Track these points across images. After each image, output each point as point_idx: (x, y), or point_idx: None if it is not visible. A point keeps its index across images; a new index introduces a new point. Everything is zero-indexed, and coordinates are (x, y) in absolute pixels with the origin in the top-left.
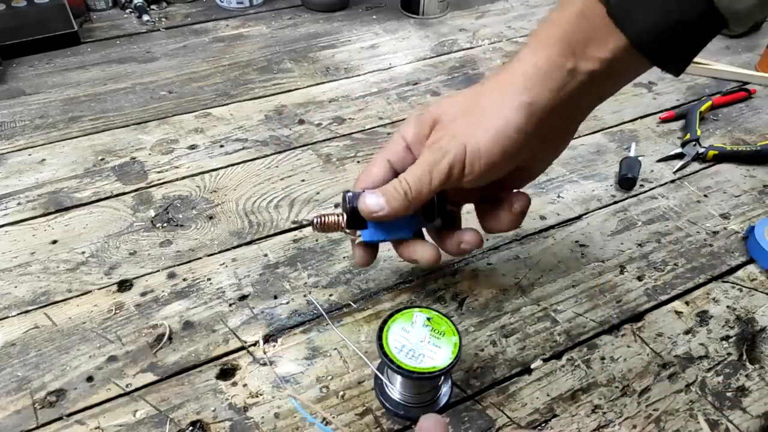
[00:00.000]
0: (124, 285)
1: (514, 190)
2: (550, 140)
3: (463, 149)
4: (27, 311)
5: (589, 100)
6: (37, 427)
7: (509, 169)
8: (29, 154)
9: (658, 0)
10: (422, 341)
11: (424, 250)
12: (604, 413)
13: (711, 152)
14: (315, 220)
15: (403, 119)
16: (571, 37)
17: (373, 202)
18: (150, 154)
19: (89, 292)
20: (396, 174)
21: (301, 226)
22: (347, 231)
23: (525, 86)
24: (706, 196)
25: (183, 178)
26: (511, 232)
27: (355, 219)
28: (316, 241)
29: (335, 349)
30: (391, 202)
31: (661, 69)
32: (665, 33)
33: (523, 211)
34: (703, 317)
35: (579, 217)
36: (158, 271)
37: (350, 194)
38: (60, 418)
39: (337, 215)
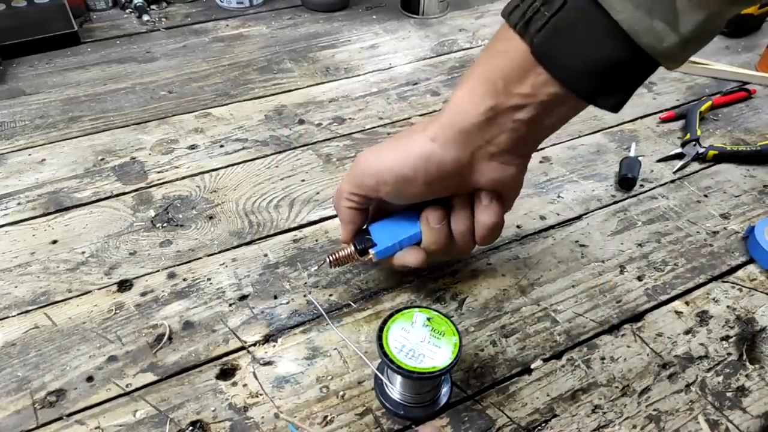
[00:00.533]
0: (124, 285)
1: (483, 204)
2: (480, 173)
3: (373, 162)
4: (27, 311)
5: (517, 136)
6: (37, 427)
7: (432, 192)
8: (29, 154)
9: (580, 39)
10: (422, 341)
11: (413, 254)
12: (604, 413)
13: (711, 152)
14: (328, 259)
15: (404, 119)
16: (491, 73)
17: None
18: (150, 154)
19: (89, 292)
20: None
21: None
22: (361, 259)
23: (438, 124)
24: (706, 196)
25: (183, 178)
26: (511, 232)
27: (363, 242)
28: (316, 240)
29: (335, 349)
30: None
31: (594, 105)
32: (592, 71)
33: (498, 205)
34: (703, 317)
35: (579, 217)
36: (158, 271)
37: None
38: (60, 418)
39: (347, 247)
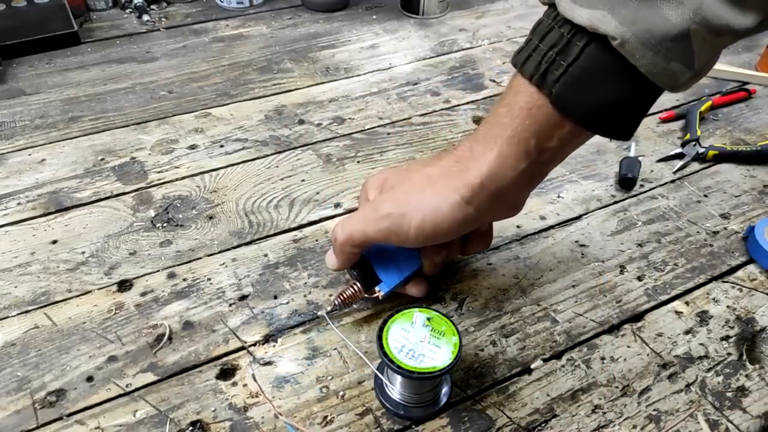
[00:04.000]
0: (124, 285)
1: (482, 231)
2: (496, 214)
3: (403, 218)
4: (27, 311)
5: (535, 180)
6: (37, 427)
7: (451, 239)
8: (29, 154)
9: (598, 85)
10: (422, 341)
11: (418, 286)
12: (604, 413)
13: (711, 152)
14: (336, 302)
15: (404, 119)
16: (521, 135)
17: (328, 261)
18: (150, 154)
19: (89, 292)
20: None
21: (315, 318)
22: (368, 295)
23: (472, 187)
24: (706, 196)
25: (183, 178)
26: (511, 232)
27: (368, 280)
28: (316, 240)
29: (335, 349)
30: (333, 256)
31: (611, 139)
32: (611, 111)
33: (490, 230)
34: (703, 317)
35: (579, 217)
36: (158, 271)
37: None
38: (60, 418)
39: (352, 286)
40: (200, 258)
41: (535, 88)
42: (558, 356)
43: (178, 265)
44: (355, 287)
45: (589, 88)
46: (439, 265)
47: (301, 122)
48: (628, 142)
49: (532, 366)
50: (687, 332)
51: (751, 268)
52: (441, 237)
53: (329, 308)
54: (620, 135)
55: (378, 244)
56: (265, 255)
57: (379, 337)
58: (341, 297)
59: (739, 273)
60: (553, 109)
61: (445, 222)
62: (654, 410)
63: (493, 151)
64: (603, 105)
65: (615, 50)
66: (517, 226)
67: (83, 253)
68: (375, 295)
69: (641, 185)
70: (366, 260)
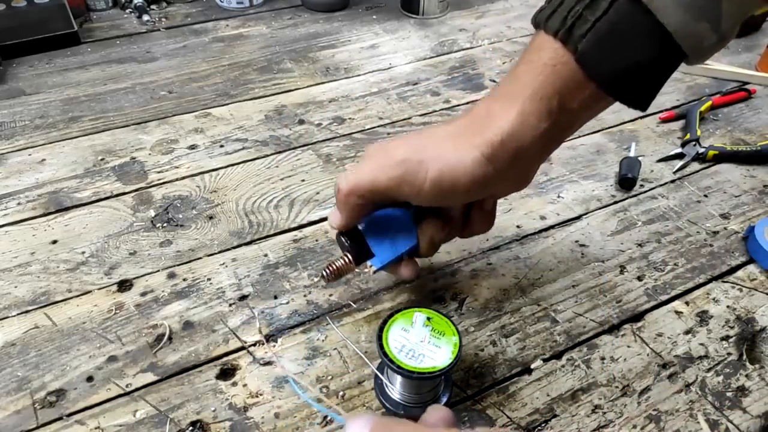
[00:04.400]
0: (124, 285)
1: (486, 210)
2: (510, 182)
3: (419, 166)
4: (27, 311)
5: (552, 145)
6: (37, 427)
7: (463, 201)
8: (29, 154)
9: (622, 43)
10: (422, 341)
11: (408, 268)
12: (604, 413)
13: (711, 152)
14: (324, 273)
15: (404, 119)
16: (544, 92)
17: (331, 219)
18: (150, 154)
19: (89, 292)
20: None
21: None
22: (358, 268)
23: (492, 144)
24: (706, 196)
25: (183, 178)
26: (511, 232)
27: (360, 253)
28: (317, 240)
29: (335, 349)
30: (336, 212)
31: (629, 107)
32: (631, 73)
33: (494, 208)
34: (703, 317)
35: (579, 217)
36: (158, 271)
37: (343, 234)
38: (60, 418)
39: (342, 257)
40: (200, 258)
41: (560, 44)
42: (558, 356)
43: (178, 265)
44: (345, 259)
45: (615, 47)
46: (436, 246)
47: (301, 122)
48: (628, 143)
49: (532, 366)
50: (687, 332)
51: (751, 268)
52: (456, 196)
53: (317, 279)
54: (638, 102)
55: (374, 215)
56: (265, 255)
57: (379, 337)
58: (330, 268)
59: (739, 273)
60: (578, 67)
61: (465, 178)
62: (654, 410)
63: (514, 108)
64: (626, 66)
65: (644, 7)
66: (517, 226)
67: (83, 253)
68: (366, 269)
69: (641, 185)
70: (359, 232)
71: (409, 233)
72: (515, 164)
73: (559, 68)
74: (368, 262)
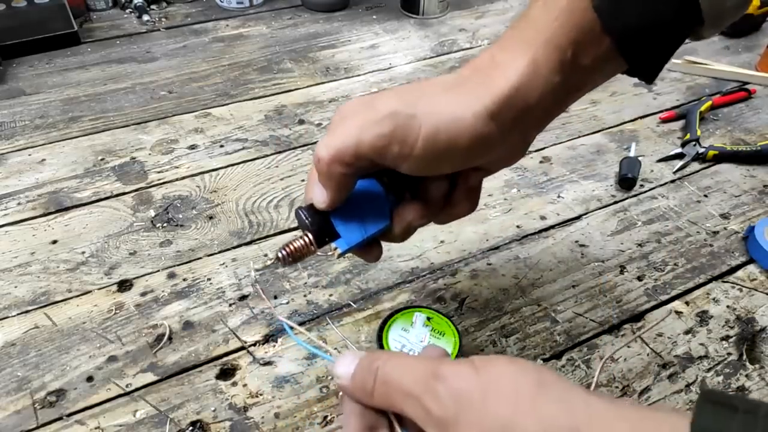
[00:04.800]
0: (124, 285)
1: (471, 186)
2: (509, 147)
3: (411, 121)
4: (27, 311)
5: (557, 108)
6: (37, 427)
7: (457, 168)
8: (29, 154)
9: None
10: (422, 341)
11: (374, 253)
12: None
13: (711, 152)
14: (280, 254)
15: None
16: (558, 40)
17: (315, 196)
18: (150, 154)
19: (89, 292)
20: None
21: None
22: (320, 252)
23: (497, 98)
24: (706, 196)
25: (183, 178)
26: (511, 232)
27: (323, 233)
28: None
29: (335, 349)
30: (319, 187)
31: (636, 75)
32: (644, 34)
33: (480, 186)
34: (703, 317)
35: (579, 217)
36: (158, 271)
37: (303, 210)
38: (60, 418)
39: (302, 237)
40: (200, 258)
41: None
42: (558, 356)
43: (178, 265)
44: (305, 239)
45: (630, 1)
46: (413, 230)
47: (301, 122)
48: (628, 143)
49: None
50: (687, 332)
51: (751, 268)
52: (452, 159)
53: (270, 262)
54: (646, 70)
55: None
56: (265, 255)
57: (379, 337)
58: (287, 249)
59: (739, 273)
60: (595, 17)
61: (465, 136)
62: None
63: (525, 57)
64: (641, 24)
65: None
66: (517, 226)
67: (83, 253)
68: (331, 252)
69: (641, 185)
70: (321, 213)
71: (381, 212)
72: (519, 125)
73: (576, 15)
74: (333, 244)
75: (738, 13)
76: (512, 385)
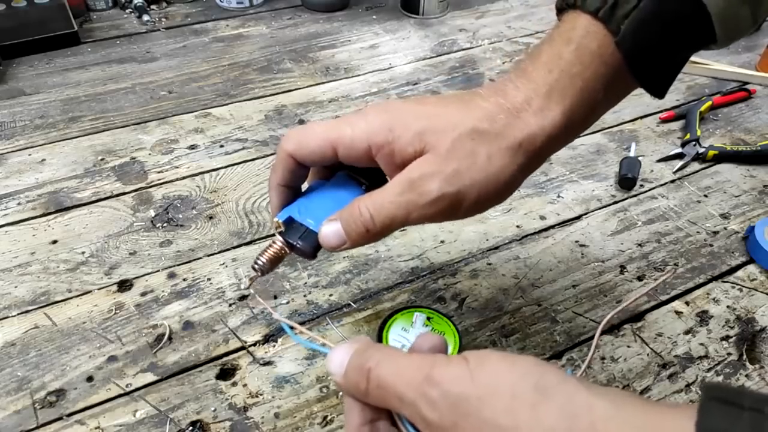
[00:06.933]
0: (124, 285)
1: None
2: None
3: (456, 198)
4: (27, 311)
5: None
6: (37, 427)
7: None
8: (29, 154)
9: (661, 24)
10: None
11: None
12: None
13: (711, 152)
14: (257, 265)
15: None
16: (593, 88)
17: (331, 234)
18: (150, 154)
19: (89, 292)
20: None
21: (243, 297)
22: (290, 252)
23: (527, 149)
24: (706, 196)
25: (183, 178)
26: (511, 232)
27: (293, 234)
28: None
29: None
30: (351, 236)
31: (648, 92)
32: (657, 56)
33: None
34: (703, 317)
35: (579, 217)
36: (158, 271)
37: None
38: (60, 418)
39: (272, 244)
40: (200, 258)
41: (602, 27)
42: (558, 356)
43: (178, 265)
44: (276, 246)
45: (652, 29)
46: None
47: (301, 122)
48: (628, 143)
49: None
50: (687, 332)
51: (751, 268)
52: (476, 213)
53: (254, 274)
54: (658, 88)
55: (312, 188)
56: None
57: (379, 337)
58: (261, 261)
59: (739, 273)
60: (620, 54)
61: (502, 197)
62: None
63: (559, 106)
64: (655, 48)
65: None
66: (517, 226)
67: (83, 253)
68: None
69: (641, 185)
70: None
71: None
72: (532, 169)
73: (607, 59)
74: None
75: (749, 31)
76: (510, 391)
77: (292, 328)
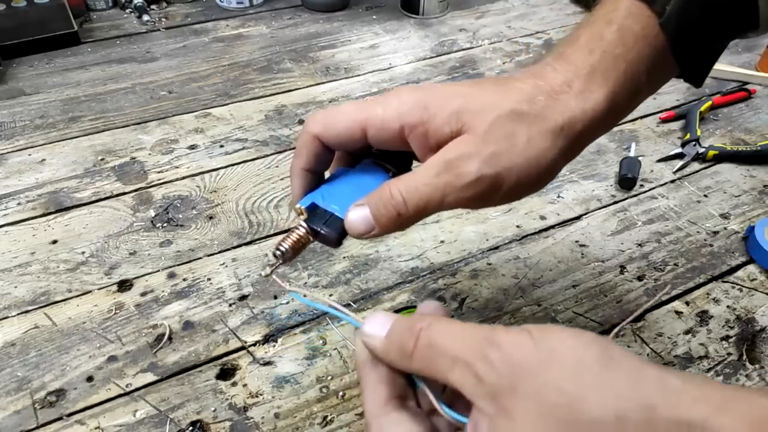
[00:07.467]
0: (124, 285)
1: None
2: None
3: (495, 182)
4: (27, 311)
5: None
6: (37, 427)
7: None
8: (29, 154)
9: (702, 8)
10: None
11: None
12: None
13: (711, 152)
14: (279, 251)
15: None
16: (636, 70)
17: (359, 220)
18: (150, 154)
19: (89, 292)
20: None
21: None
22: (314, 239)
23: (568, 133)
24: (706, 196)
25: (183, 178)
26: (511, 232)
27: (317, 221)
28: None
29: (335, 349)
30: (381, 221)
31: (686, 81)
32: (699, 42)
33: None
34: (703, 317)
35: (579, 217)
36: (158, 271)
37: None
38: (60, 418)
39: (295, 229)
40: (200, 258)
41: (645, 8)
42: None
43: (178, 265)
44: (300, 229)
45: (694, 12)
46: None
47: (301, 122)
48: (628, 143)
49: None
50: (687, 332)
51: (751, 268)
52: (514, 198)
53: (274, 261)
54: (696, 76)
55: (336, 175)
56: (265, 255)
57: None
58: (283, 247)
59: (739, 273)
60: (663, 36)
61: (542, 183)
62: None
63: (602, 88)
64: (698, 33)
65: None
66: (517, 226)
67: (83, 253)
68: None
69: (641, 185)
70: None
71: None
72: (576, 154)
73: (652, 41)
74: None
75: None
76: (575, 358)
77: (332, 308)
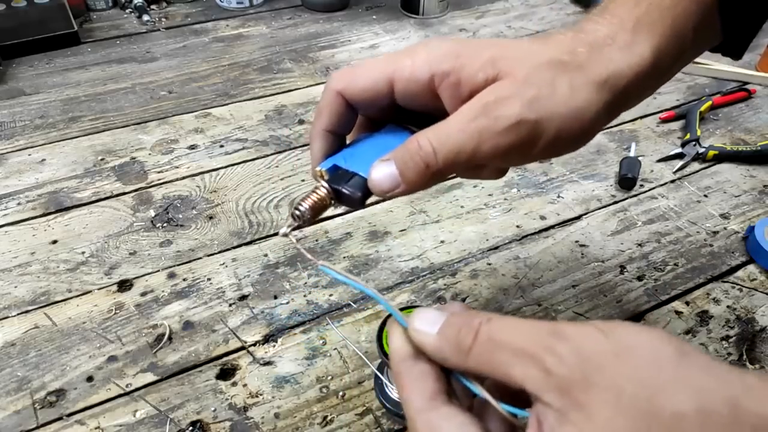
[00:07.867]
0: (124, 285)
1: None
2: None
3: (535, 129)
4: (27, 311)
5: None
6: (37, 427)
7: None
8: (29, 154)
9: None
10: None
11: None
12: None
13: (711, 152)
14: (298, 212)
15: None
16: (683, 25)
17: (383, 176)
18: (150, 154)
19: (89, 292)
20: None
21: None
22: (336, 202)
23: (613, 85)
24: (706, 196)
25: (183, 178)
26: (511, 232)
27: (338, 183)
28: (316, 240)
29: (335, 349)
30: (407, 175)
31: (724, 52)
32: (746, 9)
33: None
34: (703, 317)
35: (579, 217)
36: (158, 271)
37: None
38: (60, 418)
39: (316, 190)
40: (200, 258)
41: None
42: None
43: (178, 265)
44: (322, 189)
45: None
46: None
47: (301, 122)
48: (628, 143)
49: None
50: (687, 332)
51: (751, 268)
52: (552, 153)
53: (292, 222)
54: (736, 46)
55: (358, 140)
56: (265, 255)
57: (379, 337)
58: (303, 206)
59: (739, 273)
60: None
61: (584, 138)
62: None
63: (648, 42)
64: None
65: None
66: (517, 226)
67: (83, 253)
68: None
69: (641, 185)
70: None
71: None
72: (620, 112)
73: None
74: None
75: None
76: (652, 351)
77: (365, 287)
